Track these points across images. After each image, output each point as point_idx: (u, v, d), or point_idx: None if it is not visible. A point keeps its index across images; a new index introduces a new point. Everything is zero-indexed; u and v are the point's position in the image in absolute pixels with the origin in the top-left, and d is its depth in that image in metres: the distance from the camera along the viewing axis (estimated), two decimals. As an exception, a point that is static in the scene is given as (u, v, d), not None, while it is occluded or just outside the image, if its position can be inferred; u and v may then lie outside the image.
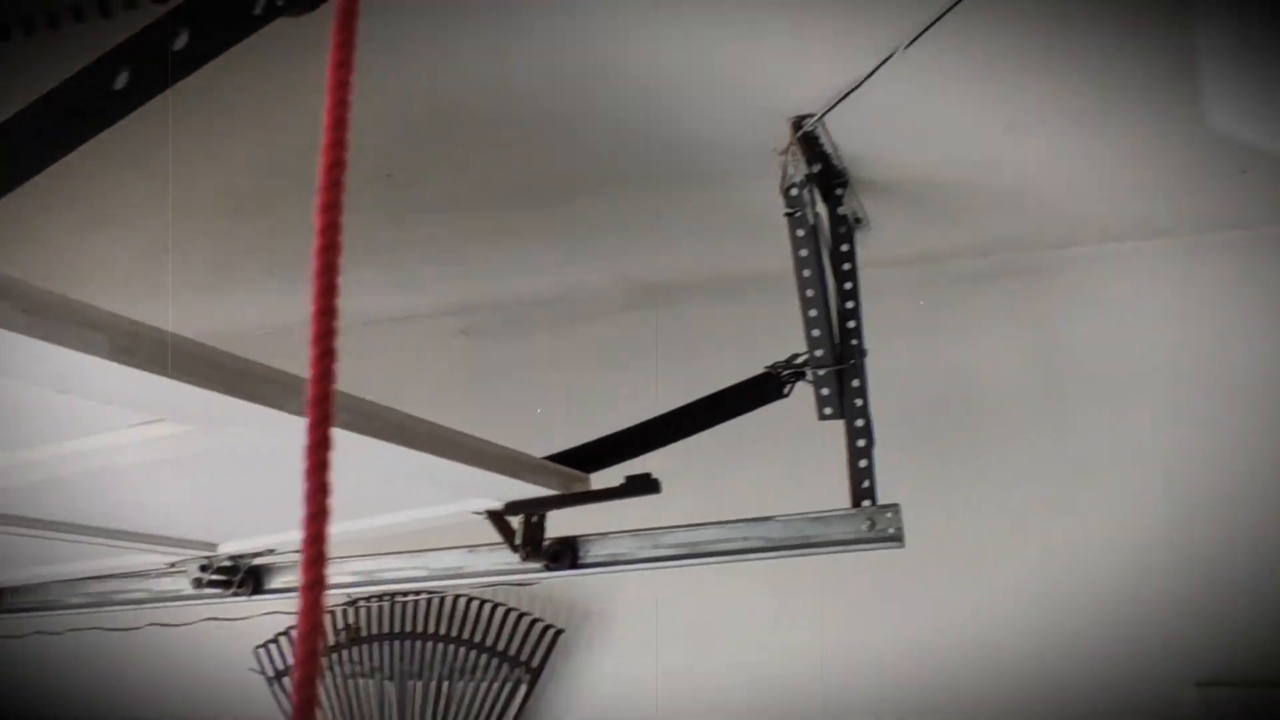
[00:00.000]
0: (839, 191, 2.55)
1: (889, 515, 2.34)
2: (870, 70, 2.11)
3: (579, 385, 3.41)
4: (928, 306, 3.15)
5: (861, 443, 2.41)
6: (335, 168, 0.77)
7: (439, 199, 2.82)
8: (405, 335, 3.65)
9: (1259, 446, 2.83)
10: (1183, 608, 2.78)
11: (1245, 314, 2.94)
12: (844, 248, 2.54)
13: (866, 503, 2.38)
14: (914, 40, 2.01)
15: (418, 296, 3.50)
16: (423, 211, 2.89)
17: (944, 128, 2.42)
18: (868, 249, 2.78)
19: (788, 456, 2.91)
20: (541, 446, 2.46)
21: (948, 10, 1.93)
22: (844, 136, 2.42)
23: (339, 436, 1.71)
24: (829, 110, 2.26)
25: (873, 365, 2.51)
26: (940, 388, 3.13)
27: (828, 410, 2.45)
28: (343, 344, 2.98)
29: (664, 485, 2.38)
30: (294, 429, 1.60)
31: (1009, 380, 3.10)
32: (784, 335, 2.50)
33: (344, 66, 0.79)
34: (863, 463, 2.40)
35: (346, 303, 3.09)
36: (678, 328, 3.35)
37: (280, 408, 1.53)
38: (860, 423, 2.42)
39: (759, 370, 2.54)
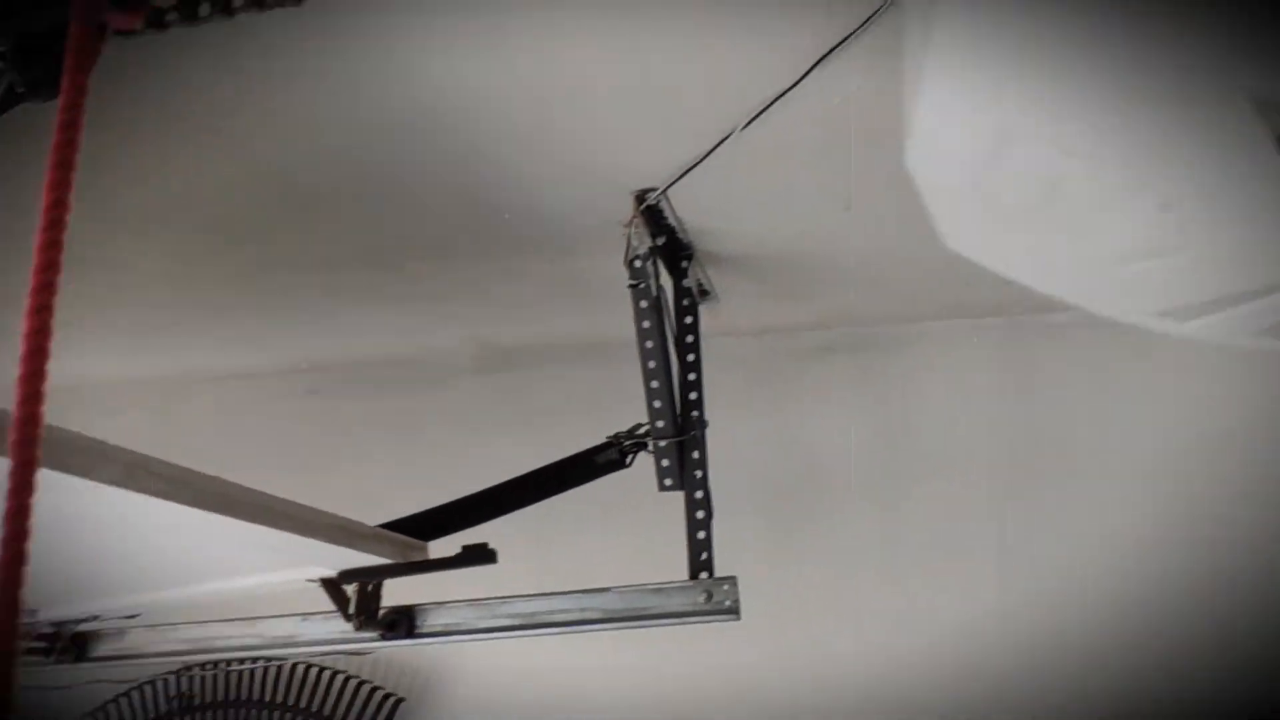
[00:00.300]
0: (684, 264, 2.58)
1: (726, 588, 2.35)
2: (709, 149, 2.15)
3: (427, 449, 3.37)
4: (774, 377, 3.19)
5: (700, 514, 2.42)
6: (48, 270, 0.73)
7: (284, 259, 2.78)
8: (250, 393, 3.56)
9: (1088, 525, 2.92)
10: (1014, 685, 2.83)
11: (1076, 393, 3.04)
12: (688, 319, 2.56)
13: (704, 575, 2.39)
14: (751, 121, 2.05)
15: (263, 354, 3.42)
16: (267, 270, 2.84)
17: (785, 205, 2.47)
18: (715, 319, 2.82)
19: (633, 525, 2.90)
20: (388, 510, 2.42)
21: (784, 93, 1.98)
22: (688, 210, 2.45)
23: (157, 507, 1.67)
24: (670, 185, 2.29)
25: (717, 435, 2.54)
26: (784, 458, 3.17)
27: (668, 481, 2.47)
28: (186, 401, 2.90)
29: (508, 553, 2.36)
30: (104, 497, 1.55)
31: (851, 453, 3.15)
32: (635, 401, 2.52)
33: (64, 166, 0.76)
34: (701, 534, 2.42)
35: (190, 359, 3.00)
36: (527, 393, 3.33)
37: (87, 475, 1.47)
38: (699, 494, 2.44)
39: (607, 437, 2.55)
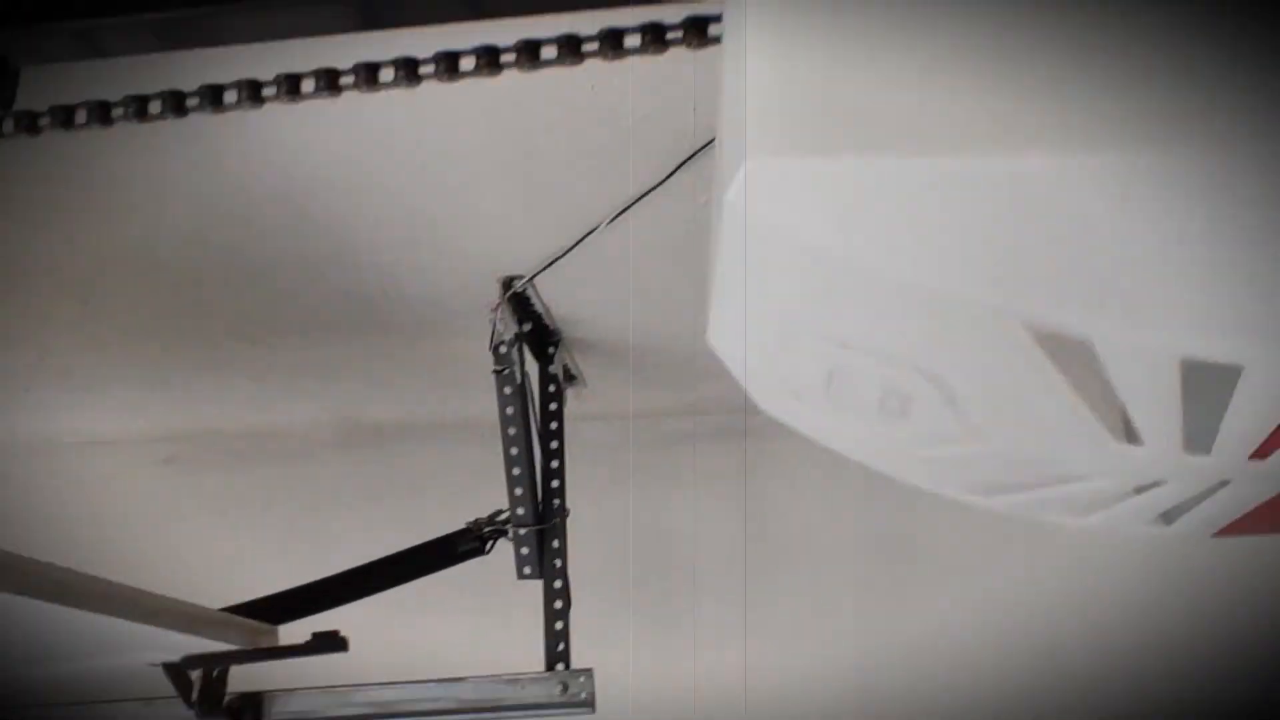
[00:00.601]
0: (551, 349, 2.57)
1: (581, 680, 2.33)
2: (576, 240, 2.16)
3: (285, 525, 3.29)
4: (641, 462, 3.18)
5: (558, 604, 2.40)
6: None
7: (144, 327, 2.72)
8: (103, 460, 3.45)
9: (945, 620, 2.96)
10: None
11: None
12: (552, 406, 2.55)
13: (560, 666, 2.37)
14: (616, 217, 2.06)
15: (117, 420, 3.32)
16: (127, 337, 2.77)
17: (653, 296, 2.48)
18: (582, 403, 2.81)
19: (492, 611, 2.86)
20: (242, 588, 2.36)
21: (648, 192, 2.00)
22: (556, 297, 2.46)
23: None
24: (537, 274, 2.30)
25: (581, 520, 2.52)
26: (649, 543, 3.16)
27: (527, 570, 2.44)
28: (40, 466, 2.78)
29: (361, 638, 2.32)
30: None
31: (716, 540, 3.15)
32: (500, 483, 2.49)
33: None
34: (558, 625, 2.39)
35: (45, 423, 2.91)
36: (391, 471, 3.27)
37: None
38: (558, 584, 2.42)
39: (473, 517, 2.52)
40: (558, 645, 2.37)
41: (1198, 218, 0.63)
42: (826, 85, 0.72)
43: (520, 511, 2.43)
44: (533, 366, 2.54)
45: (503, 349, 2.37)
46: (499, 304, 2.35)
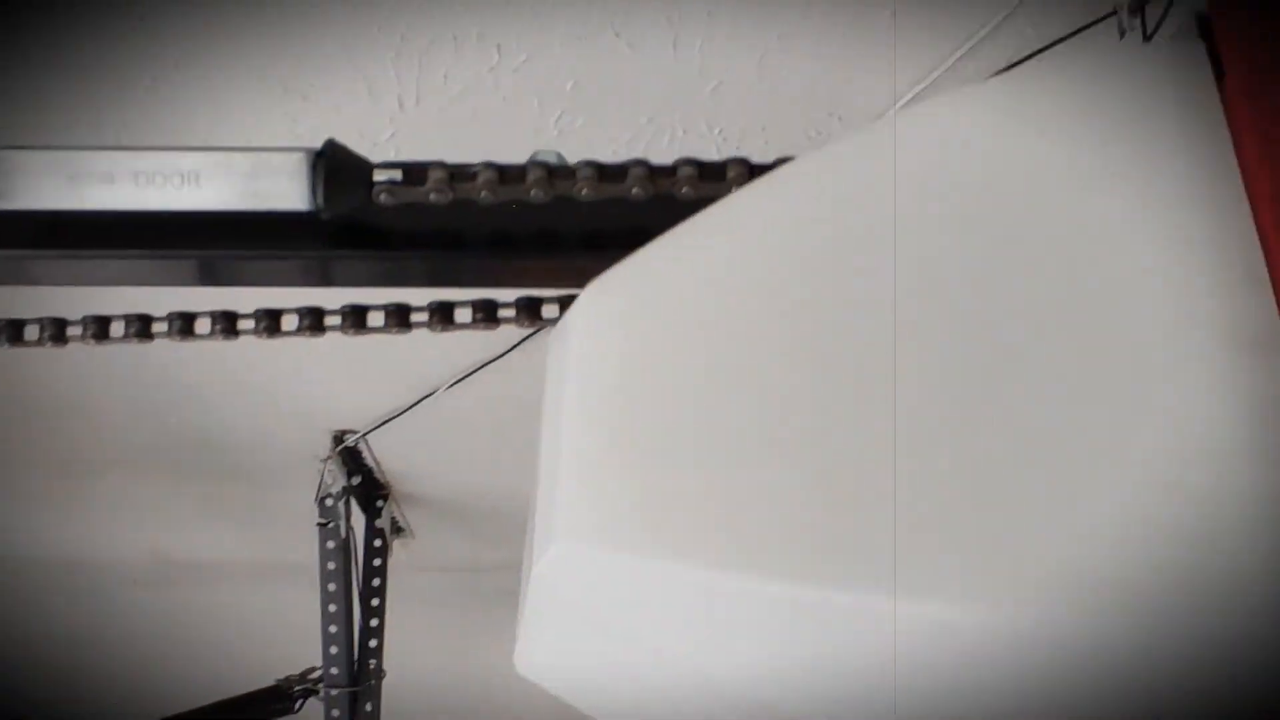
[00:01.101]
0: (379, 503, 2.53)
1: None
2: (411, 404, 2.15)
3: (93, 662, 3.11)
4: (463, 615, 3.13)
5: (368, 770, 2.33)
6: None
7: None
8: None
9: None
10: None
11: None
12: (376, 562, 2.50)
13: (365, 835, 2.28)
14: (455, 383, 2.07)
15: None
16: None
17: (486, 456, 2.48)
18: (411, 553, 2.76)
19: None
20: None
21: (490, 362, 2.01)
22: (388, 453, 2.44)
23: None
24: (370, 431, 2.27)
25: (398, 672, 2.46)
26: (468, 697, 3.10)
27: (337, 732, 2.36)
28: None
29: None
30: None
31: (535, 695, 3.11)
32: (316, 634, 2.42)
33: None
34: (366, 792, 2.31)
35: None
36: (213, 614, 3.14)
37: None
38: (369, 749, 2.34)
39: (276, 680, 2.44)
40: (359, 811, 2.29)
41: (1017, 674, 0.66)
42: (643, 480, 0.73)
43: (334, 671, 2.36)
44: (359, 519, 2.49)
45: (329, 502, 2.32)
46: (329, 456, 2.31)
